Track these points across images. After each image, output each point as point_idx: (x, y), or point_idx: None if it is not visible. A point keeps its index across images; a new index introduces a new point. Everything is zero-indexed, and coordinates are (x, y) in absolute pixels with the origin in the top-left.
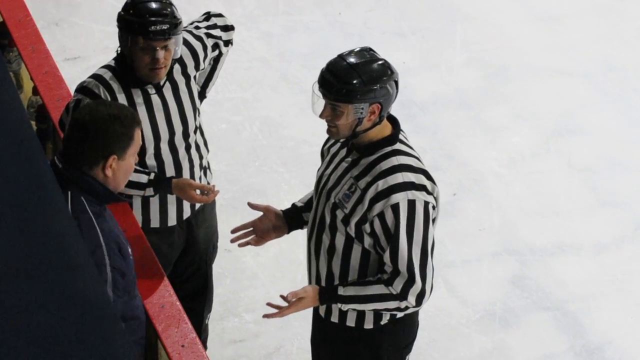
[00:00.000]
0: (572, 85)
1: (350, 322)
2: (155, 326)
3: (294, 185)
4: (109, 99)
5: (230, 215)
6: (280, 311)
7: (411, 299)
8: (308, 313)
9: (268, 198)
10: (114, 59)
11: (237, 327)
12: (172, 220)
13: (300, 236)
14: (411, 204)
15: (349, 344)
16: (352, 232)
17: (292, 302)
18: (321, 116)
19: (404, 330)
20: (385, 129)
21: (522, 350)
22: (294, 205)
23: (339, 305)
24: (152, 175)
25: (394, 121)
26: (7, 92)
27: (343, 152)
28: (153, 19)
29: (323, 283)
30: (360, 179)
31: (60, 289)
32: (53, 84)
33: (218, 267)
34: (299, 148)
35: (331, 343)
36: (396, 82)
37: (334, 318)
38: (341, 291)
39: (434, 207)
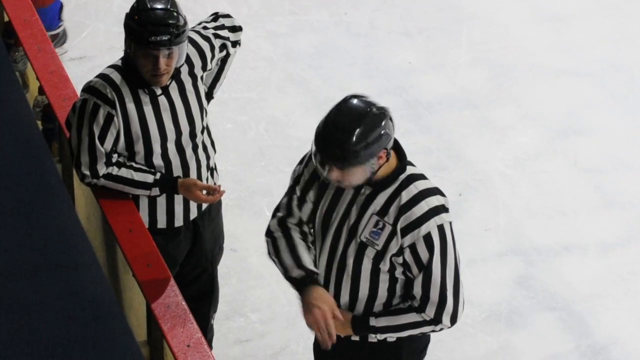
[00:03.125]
0: (578, 86)
1: (372, 337)
2: (161, 326)
3: None
4: (116, 99)
5: (235, 215)
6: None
7: (446, 321)
8: None
9: (274, 198)
10: (121, 58)
11: (242, 326)
12: (178, 221)
13: None
14: (441, 229)
15: (371, 356)
16: (386, 267)
17: (333, 319)
18: (332, 179)
19: (421, 335)
20: (391, 161)
21: (527, 351)
22: (314, 272)
23: (373, 336)
24: (158, 175)
25: (396, 145)
26: (13, 92)
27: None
28: (154, 29)
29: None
30: (385, 214)
31: (65, 288)
32: (59, 83)
33: (224, 267)
34: (305, 148)
35: (351, 358)
36: (390, 118)
37: (354, 337)
38: (373, 322)
39: (447, 210)
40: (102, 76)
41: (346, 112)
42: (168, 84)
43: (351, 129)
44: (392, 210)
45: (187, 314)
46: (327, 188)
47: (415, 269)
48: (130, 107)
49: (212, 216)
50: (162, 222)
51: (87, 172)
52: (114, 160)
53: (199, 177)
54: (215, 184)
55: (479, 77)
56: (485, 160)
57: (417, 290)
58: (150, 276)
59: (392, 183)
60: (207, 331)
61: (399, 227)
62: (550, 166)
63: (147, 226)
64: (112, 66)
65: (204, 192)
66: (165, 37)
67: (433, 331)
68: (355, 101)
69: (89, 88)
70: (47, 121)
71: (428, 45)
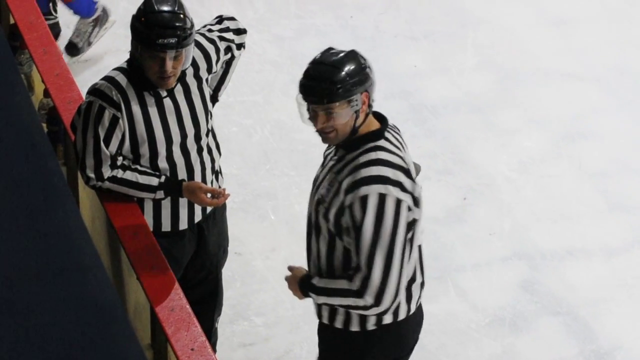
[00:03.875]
0: (584, 90)
1: (339, 323)
2: (164, 329)
3: (304, 189)
4: (122, 101)
5: (240, 218)
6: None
7: (369, 297)
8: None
9: (278, 202)
10: (127, 61)
11: (246, 330)
12: (183, 224)
13: None
14: (382, 198)
15: (337, 346)
16: (333, 228)
17: (288, 276)
18: (318, 125)
19: (393, 340)
20: (372, 124)
21: (531, 355)
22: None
23: (313, 297)
24: (163, 178)
25: (381, 118)
26: (19, 95)
27: (333, 151)
28: (161, 31)
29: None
30: (340, 172)
31: (69, 291)
32: (64, 86)
33: (228, 271)
34: (310, 151)
35: (322, 343)
36: (370, 68)
37: (325, 319)
38: (315, 281)
39: (410, 209)
40: (107, 78)
41: (329, 53)
42: (174, 86)
43: (336, 64)
44: (346, 170)
45: (191, 318)
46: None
47: (352, 233)
48: (136, 109)
49: (216, 219)
50: (166, 226)
51: (92, 175)
52: (118, 163)
53: (204, 180)
54: (220, 187)
55: (485, 81)
56: (490, 164)
57: (353, 257)
58: (154, 279)
59: (362, 146)
60: (211, 335)
61: (343, 185)
62: (556, 170)
63: (151, 229)
64: (118, 68)
65: (209, 195)
66: (172, 40)
67: (358, 307)
68: (334, 48)
69: (94, 90)
70: (52, 124)
71: (434, 49)
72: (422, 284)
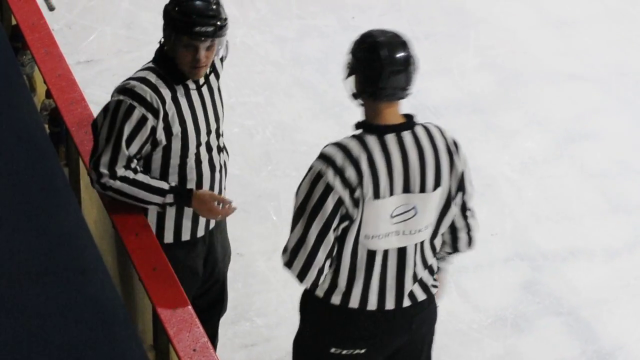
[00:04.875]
0: (585, 90)
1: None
2: (167, 330)
3: None
4: (157, 101)
5: (242, 219)
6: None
7: (284, 256)
8: None
9: (280, 202)
10: (155, 58)
11: (248, 331)
12: (201, 231)
13: None
14: (317, 176)
15: (301, 307)
16: None
17: None
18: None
19: (341, 322)
20: (384, 118)
21: (533, 356)
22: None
23: None
24: (174, 183)
25: (408, 119)
26: (21, 95)
27: None
28: (199, 19)
29: None
30: None
31: (72, 292)
32: (66, 87)
33: (230, 271)
34: (312, 152)
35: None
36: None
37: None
38: None
39: (341, 202)
40: (139, 79)
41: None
42: (202, 80)
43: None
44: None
45: (193, 318)
46: None
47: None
48: (170, 106)
49: (222, 225)
50: (186, 234)
51: (106, 171)
52: (132, 165)
53: (220, 179)
54: (225, 187)
55: (486, 82)
56: (491, 165)
57: None
58: (156, 280)
59: (358, 130)
60: (216, 339)
61: None
62: (557, 171)
63: (172, 240)
64: (147, 68)
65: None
66: (210, 29)
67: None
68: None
69: (125, 90)
70: (54, 125)
71: (435, 50)
72: (381, 289)
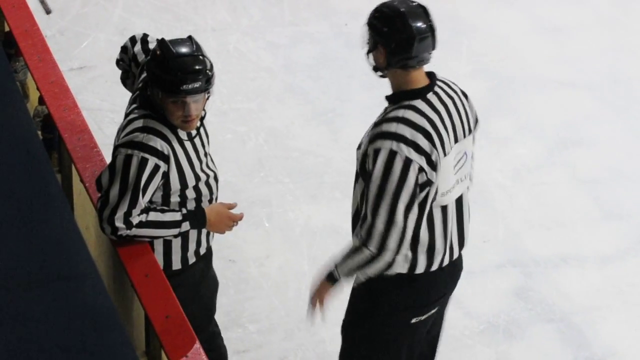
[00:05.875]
0: (577, 97)
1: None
2: (159, 336)
3: (298, 196)
4: (168, 148)
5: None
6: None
7: (372, 246)
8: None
9: (273, 209)
10: (142, 104)
11: (240, 337)
12: (210, 240)
13: (304, 246)
14: (392, 154)
15: (355, 293)
16: (360, 173)
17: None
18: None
19: (408, 290)
20: (419, 81)
21: None
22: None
23: (338, 279)
24: (184, 210)
25: (431, 77)
26: (14, 102)
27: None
28: (185, 77)
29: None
30: (376, 124)
31: (64, 298)
32: (59, 93)
33: (222, 278)
34: (304, 159)
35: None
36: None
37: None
38: (332, 267)
39: (422, 170)
40: (143, 129)
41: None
42: (195, 133)
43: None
44: (379, 121)
45: (185, 324)
46: None
47: (365, 180)
48: (179, 150)
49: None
50: (203, 247)
51: (122, 225)
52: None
53: (217, 197)
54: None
55: (479, 89)
56: (484, 172)
57: (364, 205)
58: (148, 286)
59: (399, 102)
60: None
61: (369, 135)
62: (549, 178)
63: (192, 257)
64: (143, 116)
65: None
66: (197, 84)
67: (368, 262)
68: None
69: (134, 143)
70: (47, 131)
71: None
72: (447, 243)
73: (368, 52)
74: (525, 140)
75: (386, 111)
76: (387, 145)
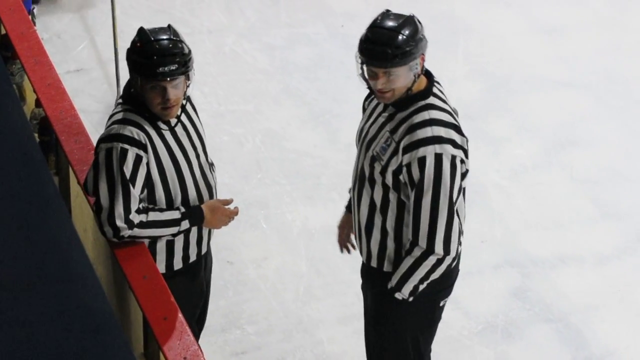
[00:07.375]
0: (574, 97)
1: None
2: (157, 338)
3: (295, 197)
4: (143, 138)
5: (232, 227)
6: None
7: (439, 250)
8: (311, 325)
9: (270, 210)
10: (123, 99)
11: (238, 339)
12: (204, 248)
13: (301, 248)
14: (438, 158)
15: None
16: (390, 183)
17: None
18: (377, 86)
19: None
20: (421, 82)
21: None
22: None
23: (402, 295)
24: (182, 208)
25: (427, 74)
26: (10, 105)
27: (380, 107)
28: (161, 60)
29: (363, 234)
30: (395, 132)
31: (62, 301)
32: (56, 96)
33: (220, 280)
34: (301, 160)
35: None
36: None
37: (385, 268)
38: (393, 283)
39: (462, 161)
40: (120, 121)
41: (388, 19)
42: (174, 122)
43: (398, 29)
44: (402, 129)
45: (183, 326)
46: (365, 109)
47: (408, 190)
48: (158, 142)
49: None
50: (204, 248)
51: (123, 224)
52: (142, 206)
53: (216, 193)
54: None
55: (475, 89)
56: (481, 172)
57: (410, 214)
58: (146, 288)
59: (412, 105)
60: None
61: (401, 145)
62: (546, 178)
63: (180, 266)
64: (121, 110)
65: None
66: (173, 67)
67: (435, 266)
68: (392, 13)
69: (111, 137)
70: (44, 134)
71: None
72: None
73: (414, 60)
74: (522, 141)
75: (397, 117)
76: (430, 150)
